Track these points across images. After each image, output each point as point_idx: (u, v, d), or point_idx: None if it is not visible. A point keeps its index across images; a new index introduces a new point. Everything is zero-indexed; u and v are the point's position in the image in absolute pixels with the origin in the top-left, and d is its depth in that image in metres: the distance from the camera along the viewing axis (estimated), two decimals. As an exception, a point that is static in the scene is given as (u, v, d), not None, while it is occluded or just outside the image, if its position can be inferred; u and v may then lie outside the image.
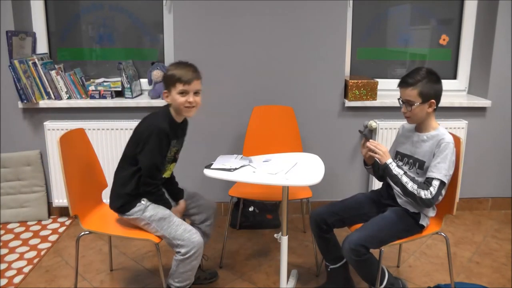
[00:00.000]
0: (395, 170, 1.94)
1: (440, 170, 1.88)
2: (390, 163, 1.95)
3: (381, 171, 2.01)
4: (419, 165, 1.98)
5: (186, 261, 1.91)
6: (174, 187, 2.21)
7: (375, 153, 1.98)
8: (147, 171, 1.95)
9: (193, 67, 1.99)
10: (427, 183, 1.90)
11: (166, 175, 2.12)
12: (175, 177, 2.26)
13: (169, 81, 1.96)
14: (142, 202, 1.99)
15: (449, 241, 2.09)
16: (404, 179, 1.91)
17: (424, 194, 1.87)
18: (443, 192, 1.93)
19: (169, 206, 2.04)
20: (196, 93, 1.98)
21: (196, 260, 1.94)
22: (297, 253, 2.66)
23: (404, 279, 2.25)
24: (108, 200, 2.08)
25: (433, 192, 1.86)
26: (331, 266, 2.16)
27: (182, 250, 1.91)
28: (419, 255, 2.64)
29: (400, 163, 2.07)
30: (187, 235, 1.92)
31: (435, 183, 1.87)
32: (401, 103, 1.98)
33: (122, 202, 1.99)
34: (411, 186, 1.89)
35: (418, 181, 1.93)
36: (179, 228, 1.94)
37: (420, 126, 2.03)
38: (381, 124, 2.98)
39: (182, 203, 2.15)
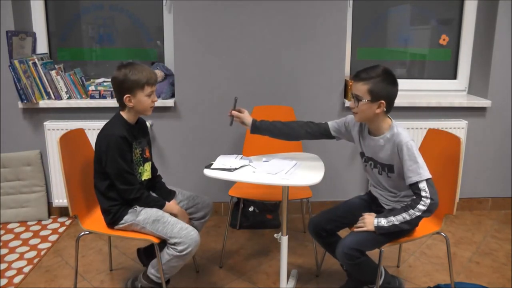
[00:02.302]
0: (387, 222, 1.83)
1: (417, 171, 1.81)
2: (378, 223, 1.84)
3: (378, 231, 1.86)
4: (389, 169, 1.93)
5: (182, 257, 1.92)
6: (163, 189, 2.21)
7: (361, 227, 1.88)
8: (118, 180, 1.94)
9: (149, 67, 2.01)
10: (415, 191, 1.82)
11: (145, 176, 2.11)
12: (161, 176, 2.26)
13: (135, 85, 1.94)
14: (135, 208, 2.00)
15: (449, 241, 2.09)
16: (399, 219, 1.81)
17: (423, 204, 1.79)
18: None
19: (162, 205, 2.03)
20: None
21: (190, 256, 1.95)
22: (297, 253, 2.66)
23: (402, 278, 2.25)
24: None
25: (428, 195, 1.79)
26: None
27: (179, 247, 1.90)
28: (419, 255, 2.64)
29: (369, 166, 2.03)
30: (185, 232, 1.92)
31: (422, 186, 1.80)
32: (352, 97, 1.91)
33: (112, 216, 1.98)
34: (409, 215, 1.80)
35: (404, 201, 1.90)
36: (175, 227, 1.93)
37: (371, 129, 1.96)
38: (381, 124, 2.97)
39: (172, 203, 2.11)
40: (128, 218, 1.98)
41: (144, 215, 1.97)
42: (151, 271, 2.02)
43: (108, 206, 1.98)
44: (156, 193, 2.16)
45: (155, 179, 2.22)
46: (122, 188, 1.95)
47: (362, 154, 2.07)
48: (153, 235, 1.96)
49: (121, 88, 1.96)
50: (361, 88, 1.85)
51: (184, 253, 1.90)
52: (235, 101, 2.12)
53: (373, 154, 1.98)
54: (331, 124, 2.15)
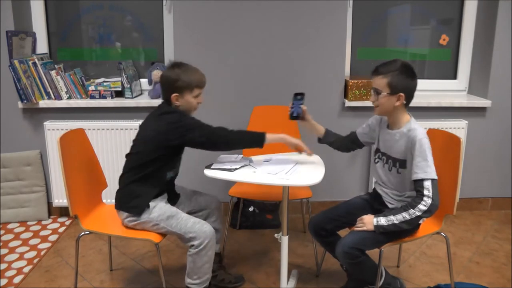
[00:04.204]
0: (386, 221, 1.84)
1: (425, 169, 1.81)
2: (377, 222, 1.85)
3: (377, 231, 1.87)
4: (400, 164, 1.94)
5: (201, 253, 1.91)
6: (172, 190, 2.20)
7: (361, 227, 1.90)
8: (208, 134, 1.93)
9: (199, 70, 2.04)
10: (418, 189, 1.82)
11: (174, 173, 2.12)
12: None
13: (185, 86, 1.97)
14: (150, 204, 2.00)
15: (449, 241, 2.09)
16: (399, 218, 1.82)
17: (424, 204, 1.79)
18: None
19: (262, 139, 2.00)
20: None
21: (211, 251, 1.94)
22: (297, 253, 2.66)
23: (402, 278, 2.25)
24: (108, 200, 2.07)
25: (430, 194, 1.79)
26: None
27: (196, 242, 1.91)
28: (419, 255, 2.64)
29: (381, 162, 2.05)
30: (198, 226, 1.93)
31: (427, 184, 1.80)
32: (372, 91, 1.96)
33: (135, 203, 1.98)
34: (408, 215, 1.81)
35: (407, 201, 1.89)
36: (188, 221, 1.94)
37: (390, 122, 2.00)
38: (381, 124, 2.98)
39: None
40: (143, 216, 1.98)
41: (158, 211, 1.97)
42: (187, 281, 1.99)
43: (136, 195, 1.98)
44: (168, 191, 2.16)
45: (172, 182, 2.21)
46: (212, 137, 1.94)
47: (377, 151, 2.09)
48: (166, 232, 1.97)
49: (171, 87, 1.98)
50: (380, 81, 1.90)
51: (201, 247, 1.90)
52: (302, 96, 2.10)
53: (387, 148, 2.00)
54: (357, 131, 2.21)
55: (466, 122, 3.05)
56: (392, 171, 1.99)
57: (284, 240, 2.05)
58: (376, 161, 2.09)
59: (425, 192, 1.80)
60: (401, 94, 1.88)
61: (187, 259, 1.96)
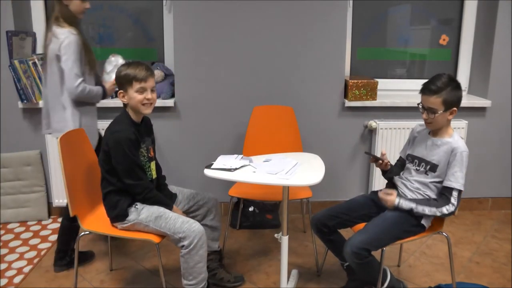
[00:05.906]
0: (407, 205, 1.94)
1: (458, 180, 1.90)
2: (398, 203, 1.95)
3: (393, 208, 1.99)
4: (431, 168, 1.98)
5: (192, 252, 1.91)
6: (166, 191, 2.20)
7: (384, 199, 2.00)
8: (128, 174, 1.94)
9: (146, 65, 2.01)
10: (446, 194, 1.92)
11: (152, 176, 2.11)
12: (165, 177, 2.26)
13: (124, 81, 1.97)
14: (136, 206, 2.00)
15: (450, 241, 2.09)
16: (420, 210, 1.92)
17: (447, 209, 1.90)
18: None
19: (169, 205, 2.04)
20: (152, 90, 2.01)
21: (202, 249, 1.94)
22: (297, 253, 2.66)
23: (402, 278, 2.25)
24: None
25: (455, 203, 1.90)
26: (346, 264, 2.18)
27: (186, 242, 1.90)
28: (419, 255, 2.64)
29: (411, 165, 2.08)
30: (186, 225, 1.92)
31: (455, 194, 1.90)
32: (422, 109, 1.98)
33: (118, 211, 1.99)
34: (429, 211, 1.91)
35: (431, 199, 1.96)
36: (177, 221, 1.94)
37: (436, 132, 2.03)
38: (381, 124, 2.98)
39: (175, 209, 2.12)
40: (131, 218, 1.98)
41: (146, 213, 1.97)
42: (184, 282, 1.99)
43: (116, 201, 1.98)
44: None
45: (159, 180, 2.21)
46: (130, 183, 1.95)
47: (408, 156, 2.11)
48: (157, 232, 1.96)
49: (118, 84, 2.01)
50: (435, 101, 1.92)
51: (191, 247, 1.90)
52: (372, 155, 2.16)
53: (425, 153, 2.03)
54: (401, 154, 2.22)
55: (466, 122, 3.05)
56: (420, 171, 2.03)
57: (284, 240, 2.05)
58: (407, 162, 2.13)
59: (452, 200, 1.91)
60: (454, 108, 1.94)
61: (180, 261, 1.95)
